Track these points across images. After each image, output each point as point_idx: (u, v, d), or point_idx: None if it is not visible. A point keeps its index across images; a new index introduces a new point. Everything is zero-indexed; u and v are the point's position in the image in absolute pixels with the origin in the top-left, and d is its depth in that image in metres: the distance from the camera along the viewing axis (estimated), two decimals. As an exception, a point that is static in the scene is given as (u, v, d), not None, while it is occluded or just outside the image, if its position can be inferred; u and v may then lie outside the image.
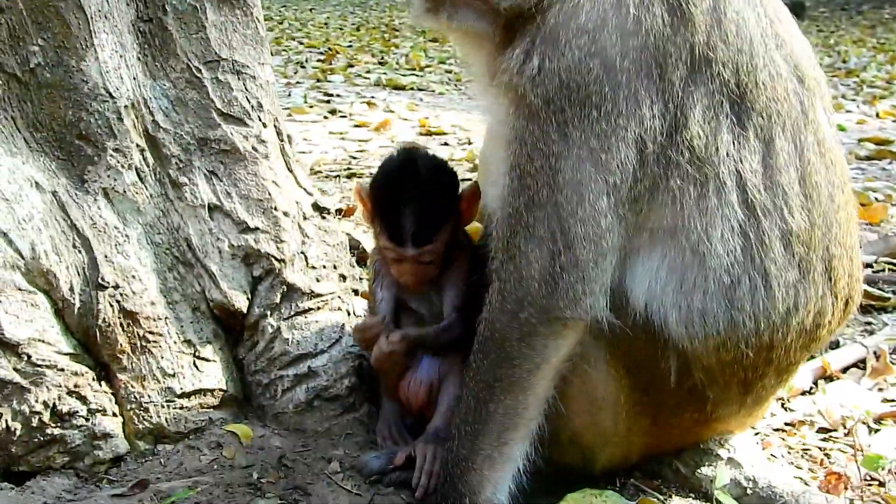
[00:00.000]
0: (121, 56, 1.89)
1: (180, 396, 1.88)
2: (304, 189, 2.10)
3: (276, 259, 1.97)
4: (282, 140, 2.08)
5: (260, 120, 2.01)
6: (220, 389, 1.92)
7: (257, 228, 1.96)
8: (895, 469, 1.92)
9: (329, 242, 2.06)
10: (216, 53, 1.98)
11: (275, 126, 2.07)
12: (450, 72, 10.39)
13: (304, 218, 2.04)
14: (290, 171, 2.08)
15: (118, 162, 1.87)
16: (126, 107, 1.87)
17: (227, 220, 1.95)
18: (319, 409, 1.98)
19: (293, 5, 20.40)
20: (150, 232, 1.89)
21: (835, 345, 2.67)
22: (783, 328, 1.67)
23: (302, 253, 2.00)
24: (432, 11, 1.74)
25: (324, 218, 2.08)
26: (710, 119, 1.62)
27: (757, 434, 2.18)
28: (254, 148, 1.99)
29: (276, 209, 1.98)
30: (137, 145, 1.90)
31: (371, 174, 5.54)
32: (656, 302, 1.63)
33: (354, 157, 5.91)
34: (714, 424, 1.78)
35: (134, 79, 1.91)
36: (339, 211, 4.33)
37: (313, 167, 5.52)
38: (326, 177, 5.34)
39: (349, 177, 5.31)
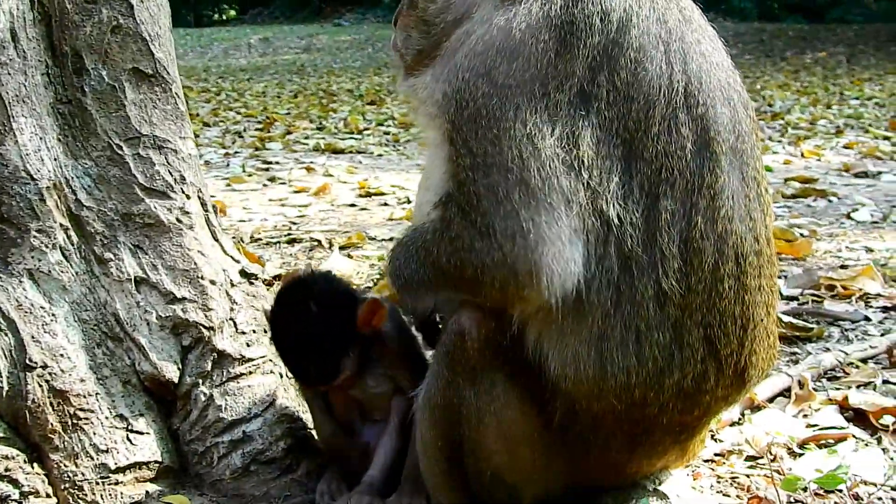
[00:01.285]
0: (41, 138, 1.92)
1: (115, 472, 1.88)
2: (231, 257, 2.13)
3: (205, 327, 1.99)
4: (206, 210, 2.12)
5: (183, 192, 2.05)
6: (156, 461, 1.92)
7: (184, 298, 1.99)
8: (817, 490, 1.98)
9: (258, 307, 2.09)
10: (137, 130, 2.03)
11: (199, 197, 2.11)
12: (388, 133, 10.55)
13: (232, 285, 2.07)
14: (216, 239, 2.12)
15: (42, 242, 1.89)
16: (48, 188, 1.90)
17: (153, 292, 1.98)
18: (256, 472, 1.99)
19: (230, 76, 20.53)
20: (77, 309, 1.91)
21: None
22: (656, 387, 1.67)
23: (231, 319, 2.03)
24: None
25: (251, 283, 2.12)
26: (601, 152, 1.64)
27: (687, 466, 2.24)
28: (178, 220, 2.03)
29: (202, 278, 2.01)
30: (61, 224, 1.92)
31: (312, 238, 5.55)
32: (543, 337, 1.67)
33: (294, 223, 5.94)
34: (637, 464, 1.81)
35: (55, 159, 1.94)
36: (277, 277, 4.36)
37: (253, 235, 5.54)
38: (267, 244, 5.36)
39: (289, 242, 5.34)
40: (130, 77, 2.03)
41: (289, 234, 5.55)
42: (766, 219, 1.82)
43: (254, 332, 2.06)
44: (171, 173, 2.04)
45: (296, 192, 7.09)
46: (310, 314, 1.88)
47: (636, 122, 1.66)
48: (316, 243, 5.22)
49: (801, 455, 2.23)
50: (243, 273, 2.12)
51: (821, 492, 2.01)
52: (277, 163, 8.43)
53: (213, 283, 2.03)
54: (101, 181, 2.00)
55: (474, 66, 1.66)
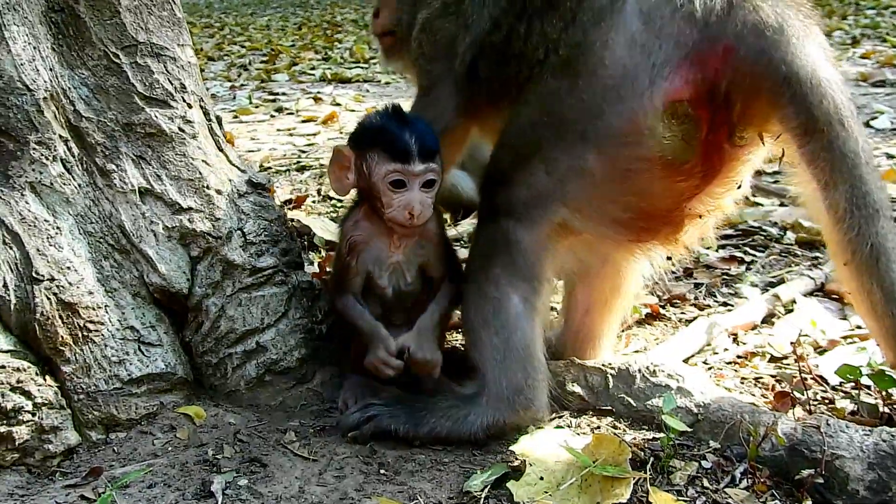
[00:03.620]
0: (34, 48, 1.85)
1: (128, 383, 1.85)
2: (237, 167, 2.08)
3: (213, 237, 1.95)
4: (209, 120, 2.06)
5: (184, 101, 1.99)
6: (170, 373, 1.90)
7: (191, 208, 1.94)
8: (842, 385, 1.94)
9: (266, 218, 2.04)
10: (133, 38, 1.95)
11: (201, 106, 2.04)
12: (394, 61, 10.34)
13: (239, 195, 2.02)
14: (221, 150, 2.06)
15: (42, 155, 1.83)
16: (45, 98, 1.84)
17: (159, 203, 1.93)
18: (271, 383, 1.96)
19: (233, 11, 20.24)
20: (81, 222, 1.86)
21: (779, 281, 2.71)
22: None
23: (239, 230, 1.98)
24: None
25: (260, 194, 2.06)
26: None
27: (710, 369, 2.20)
28: (180, 129, 1.97)
29: (208, 188, 1.96)
30: (60, 136, 1.87)
31: (321, 165, 5.49)
32: None
33: (304, 151, 5.88)
34: None
35: (51, 69, 1.88)
36: (288, 201, 4.32)
37: (262, 163, 5.49)
38: (277, 172, 5.31)
39: (299, 170, 5.28)
40: (124, -18, 1.95)
41: (298, 162, 5.48)
42: None
43: (263, 242, 2.01)
44: (170, 81, 1.98)
45: (304, 121, 7.00)
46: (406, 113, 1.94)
47: None
48: (325, 170, 5.16)
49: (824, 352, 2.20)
50: (250, 183, 2.06)
51: (847, 387, 1.97)
52: (284, 94, 8.32)
53: (219, 192, 1.97)
54: (100, 91, 1.93)
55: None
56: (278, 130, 6.70)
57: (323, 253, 3.36)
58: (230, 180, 2.02)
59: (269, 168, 5.40)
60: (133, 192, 1.91)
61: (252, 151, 5.97)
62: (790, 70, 1.60)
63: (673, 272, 2.91)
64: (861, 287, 1.60)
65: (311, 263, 3.22)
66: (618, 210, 1.74)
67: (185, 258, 1.94)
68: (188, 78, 2.01)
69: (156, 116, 1.95)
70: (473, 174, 3.78)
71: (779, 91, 1.61)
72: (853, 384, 1.95)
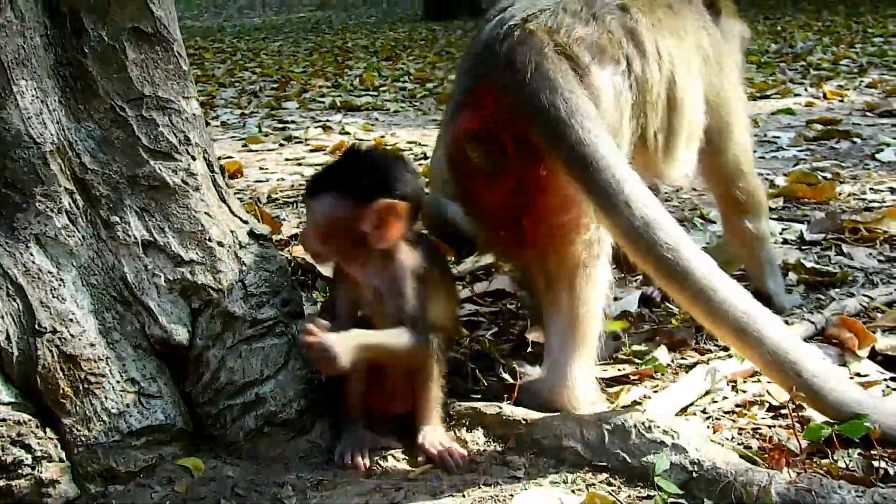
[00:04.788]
0: (42, 101, 1.89)
1: (128, 435, 1.87)
2: (239, 218, 2.10)
3: (214, 290, 1.97)
4: (213, 171, 2.09)
5: (188, 153, 2.02)
6: (169, 424, 1.92)
7: (192, 261, 1.97)
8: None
9: (268, 269, 2.07)
10: (139, 91, 1.99)
11: (205, 158, 2.08)
12: (404, 89, 10.44)
13: (241, 246, 2.05)
14: (224, 201, 2.09)
15: (47, 207, 1.87)
16: (51, 151, 1.88)
17: (161, 255, 1.96)
18: (270, 434, 1.98)
19: (246, 35, 20.42)
20: (84, 274, 1.89)
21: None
22: None
23: (240, 281, 2.01)
24: None
25: (261, 245, 2.09)
26: None
27: (708, 418, 2.21)
28: (184, 181, 2.00)
29: (210, 240, 1.99)
30: (66, 188, 1.90)
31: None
32: None
33: (311, 182, 5.93)
34: None
35: (58, 122, 1.91)
36: (294, 237, 4.34)
37: (270, 194, 5.53)
38: (284, 203, 5.34)
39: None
40: (130, 37, 1.99)
41: (305, 194, 5.54)
42: None
43: (264, 293, 2.03)
44: (175, 134, 2.01)
45: (312, 150, 7.06)
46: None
47: None
48: (332, 202, 5.19)
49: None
50: (252, 234, 2.09)
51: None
52: (294, 122, 8.39)
53: (220, 244, 2.00)
54: (105, 144, 1.97)
55: None
56: (287, 160, 6.76)
57: (327, 290, 3.39)
58: (232, 231, 2.05)
59: (277, 199, 5.45)
60: (136, 245, 1.94)
61: (260, 182, 6.02)
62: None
63: (673, 314, 2.92)
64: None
65: (315, 303, 3.24)
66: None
67: (187, 310, 1.96)
68: (192, 130, 2.05)
69: (160, 169, 1.98)
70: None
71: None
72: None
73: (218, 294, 1.97)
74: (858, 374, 2.38)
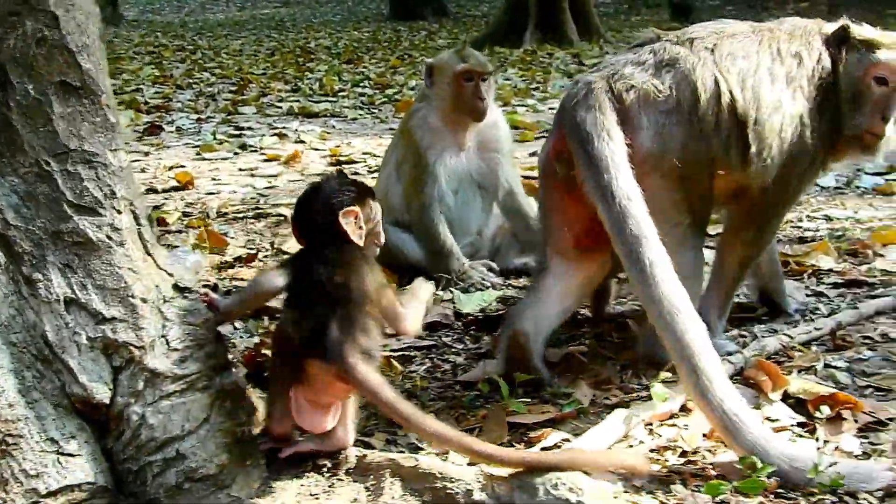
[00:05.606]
0: (-36, 159, 1.90)
1: (46, 496, 1.89)
2: (165, 271, 2.13)
3: (136, 347, 2.00)
4: (139, 224, 2.12)
5: (113, 207, 2.04)
6: (88, 483, 1.94)
7: (115, 318, 1.99)
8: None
9: (192, 322, 2.10)
10: (65, 145, 2.01)
11: (131, 210, 2.10)
12: (363, 94, 10.45)
13: (165, 301, 2.08)
14: (149, 254, 2.12)
15: (-32, 265, 1.88)
16: (-27, 208, 1.89)
17: (83, 313, 1.98)
18: (191, 490, 2.01)
19: (208, 32, 20.27)
20: (4, 332, 1.91)
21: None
22: None
23: (163, 337, 2.04)
24: None
25: (185, 298, 2.12)
26: None
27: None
28: (108, 237, 2.02)
29: (133, 296, 2.02)
30: (-13, 245, 1.92)
31: (278, 213, 5.50)
32: None
33: (263, 195, 5.93)
34: None
35: (-20, 179, 1.93)
36: (239, 259, 4.35)
37: (220, 209, 5.53)
38: (233, 219, 5.35)
39: (256, 217, 5.33)
40: (57, 90, 2.01)
41: (256, 208, 5.53)
42: None
43: (188, 348, 2.06)
44: (100, 188, 2.03)
45: (266, 160, 7.06)
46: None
47: None
48: (282, 218, 5.21)
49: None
50: (177, 287, 2.12)
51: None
52: (250, 128, 8.38)
53: (144, 301, 2.03)
54: (29, 199, 1.99)
55: None
56: (240, 170, 6.75)
57: (266, 321, 3.41)
58: (156, 286, 2.08)
59: (227, 214, 5.45)
60: (58, 302, 1.96)
61: (212, 194, 6.02)
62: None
63: (603, 354, 3.00)
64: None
65: (252, 335, 3.27)
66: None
67: (108, 368, 1.99)
68: (119, 183, 2.07)
69: (84, 225, 2.00)
70: (419, 235, 3.85)
71: None
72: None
73: (140, 351, 2.00)
74: (769, 419, 2.47)
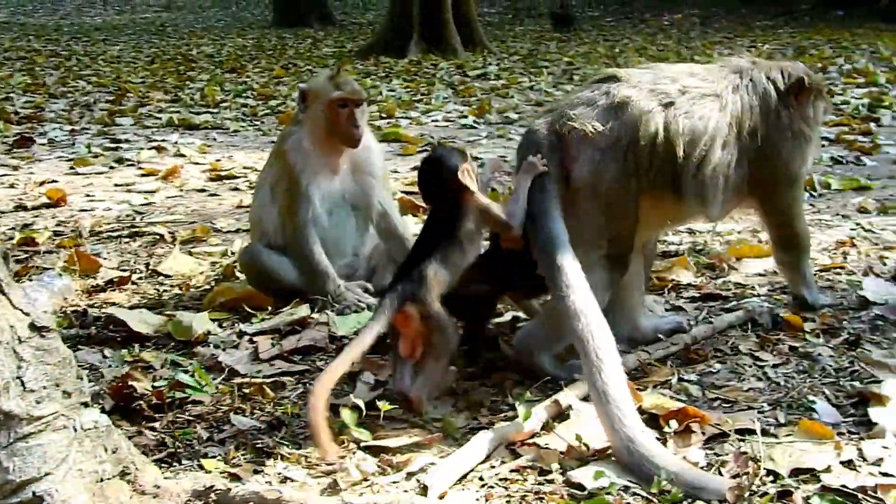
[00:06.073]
0: None
1: None
2: (20, 310, 2.10)
3: (-11, 390, 1.97)
4: (-7, 262, 2.08)
5: (-35, 247, 2.00)
6: (-61, 529, 1.91)
7: (-34, 362, 1.96)
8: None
9: (49, 362, 2.07)
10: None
11: (-16, 250, 2.06)
12: (246, 105, 10.33)
13: (20, 341, 2.05)
14: (3, 293, 2.08)
15: None
16: None
17: (-67, 357, 1.94)
18: (48, 532, 2.00)
19: (83, 37, 19.56)
20: None
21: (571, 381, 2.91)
22: None
23: (18, 378, 2.01)
24: None
25: (42, 337, 2.10)
26: None
27: (483, 486, 2.37)
28: (-41, 278, 1.98)
29: (-15, 339, 1.98)
30: None
31: (154, 232, 5.39)
32: None
33: (139, 212, 5.81)
34: None
35: None
36: (111, 282, 4.26)
37: (93, 228, 5.39)
38: (107, 238, 5.22)
39: (131, 237, 5.22)
40: None
41: (132, 227, 5.41)
42: None
43: (44, 388, 2.04)
44: (-50, 227, 1.99)
45: (144, 175, 6.89)
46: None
47: None
48: (158, 237, 5.12)
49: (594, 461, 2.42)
50: (33, 327, 2.09)
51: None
52: (127, 141, 8.17)
53: (-3, 342, 2.00)
54: None
55: None
56: (116, 186, 6.58)
57: (137, 348, 3.35)
58: (11, 326, 2.04)
59: (101, 233, 5.31)
60: None
61: (85, 211, 5.85)
62: None
63: (474, 376, 3.09)
64: None
65: (120, 365, 3.22)
66: None
67: (-40, 412, 1.95)
68: (-30, 221, 2.03)
69: (-68, 266, 1.96)
70: (294, 258, 3.86)
71: None
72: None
73: (-7, 394, 1.97)
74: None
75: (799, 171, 3.32)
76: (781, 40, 16.40)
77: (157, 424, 2.74)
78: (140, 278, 4.40)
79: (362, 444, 2.57)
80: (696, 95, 3.04)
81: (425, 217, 3.06)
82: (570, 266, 2.72)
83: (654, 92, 2.99)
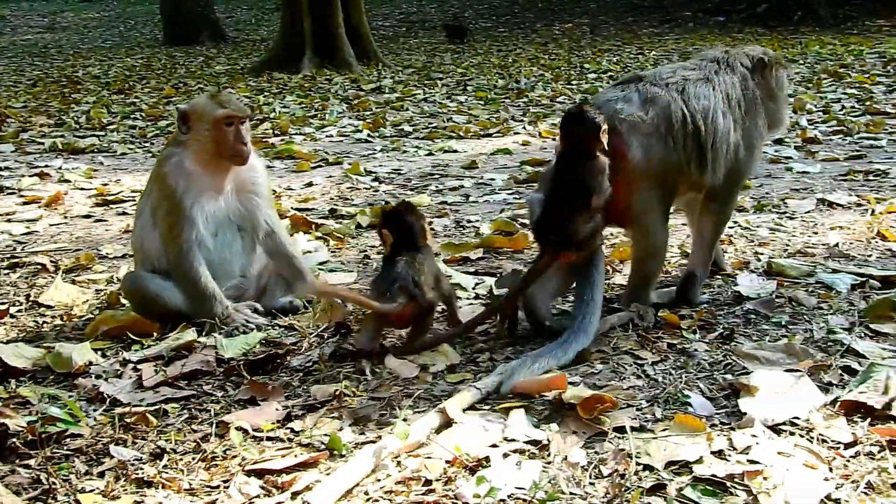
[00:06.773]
0: None
1: None
2: None
3: None
4: None
5: None
6: None
7: None
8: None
9: None
10: None
11: None
12: (134, 127, 10.11)
13: None
14: None
15: None
16: None
17: None
18: None
19: (-39, 60, 18.77)
20: None
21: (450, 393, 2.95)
22: None
23: None
24: None
25: None
26: None
27: (369, 500, 2.38)
28: None
29: None
30: None
31: (36, 262, 5.21)
32: None
33: (21, 242, 5.61)
34: None
35: None
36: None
37: (-32, 261, 5.17)
38: (-15, 274, 5.01)
39: (11, 268, 5.03)
40: None
41: (12, 257, 5.22)
42: None
43: None
44: None
45: (25, 202, 6.67)
46: None
47: None
48: (40, 267, 4.95)
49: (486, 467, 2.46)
50: None
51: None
52: (7, 168, 7.89)
53: None
54: None
55: None
56: (-5, 215, 6.34)
57: (14, 384, 3.23)
58: None
59: (-23, 265, 5.10)
60: None
61: (-39, 242, 5.62)
62: None
63: (366, 384, 3.10)
64: None
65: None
66: None
67: None
68: None
69: None
70: (178, 281, 3.79)
71: None
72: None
73: None
74: (506, 439, 2.66)
75: (762, 135, 3.94)
76: (667, 46, 16.97)
77: (32, 462, 2.65)
78: (19, 311, 4.25)
79: (246, 468, 2.55)
80: (694, 81, 3.71)
81: (553, 163, 3.58)
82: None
83: (669, 85, 3.66)
